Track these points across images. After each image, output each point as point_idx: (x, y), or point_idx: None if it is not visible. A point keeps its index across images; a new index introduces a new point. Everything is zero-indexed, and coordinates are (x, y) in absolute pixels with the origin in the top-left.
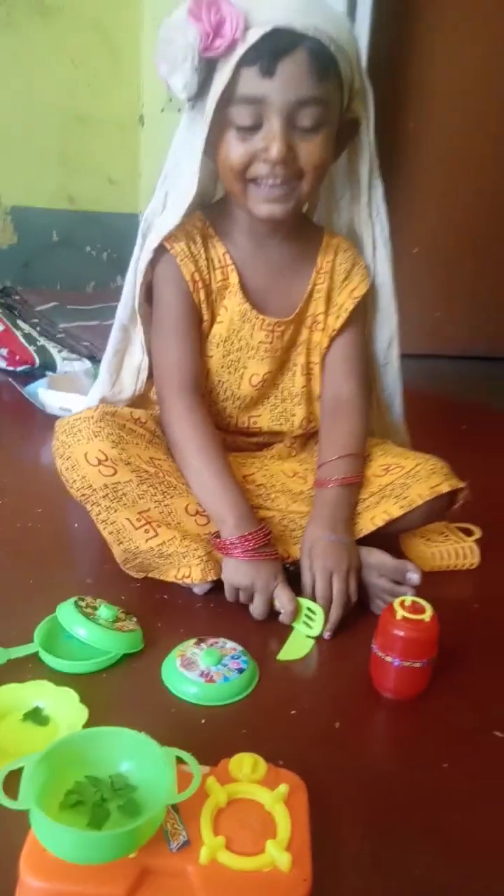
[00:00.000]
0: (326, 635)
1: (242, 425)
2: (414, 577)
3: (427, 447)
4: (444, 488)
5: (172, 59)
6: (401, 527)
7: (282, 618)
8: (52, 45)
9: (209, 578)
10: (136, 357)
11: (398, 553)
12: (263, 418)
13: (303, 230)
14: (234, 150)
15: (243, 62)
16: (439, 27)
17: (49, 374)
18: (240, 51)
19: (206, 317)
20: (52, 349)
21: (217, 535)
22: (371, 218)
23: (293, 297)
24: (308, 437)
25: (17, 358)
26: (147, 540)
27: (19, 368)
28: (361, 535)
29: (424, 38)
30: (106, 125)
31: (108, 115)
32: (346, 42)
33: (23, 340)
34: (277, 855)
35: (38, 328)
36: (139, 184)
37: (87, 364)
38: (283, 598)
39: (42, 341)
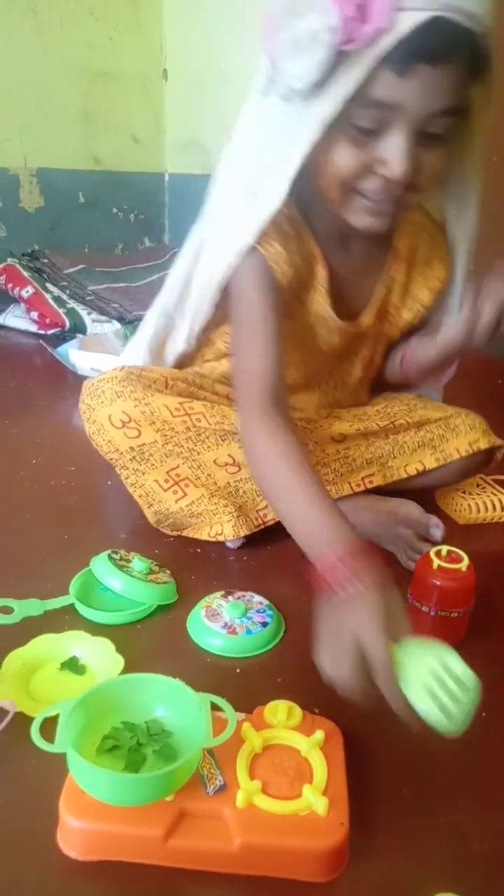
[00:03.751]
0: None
1: None
2: (437, 532)
3: (462, 401)
4: (483, 444)
5: (295, 40)
6: (434, 481)
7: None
8: None
9: (241, 534)
10: (179, 346)
11: (433, 505)
12: (310, 406)
13: None
14: (346, 156)
15: (384, 60)
16: None
17: (79, 335)
18: (385, 44)
19: None
20: (82, 311)
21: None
22: (458, 213)
23: (367, 290)
24: None
25: (48, 321)
26: (176, 501)
27: (50, 331)
28: (392, 480)
29: None
30: (128, 80)
31: (130, 70)
32: (493, 24)
33: (52, 303)
34: (314, 799)
35: (68, 291)
36: (164, 141)
37: (117, 325)
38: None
39: (71, 304)
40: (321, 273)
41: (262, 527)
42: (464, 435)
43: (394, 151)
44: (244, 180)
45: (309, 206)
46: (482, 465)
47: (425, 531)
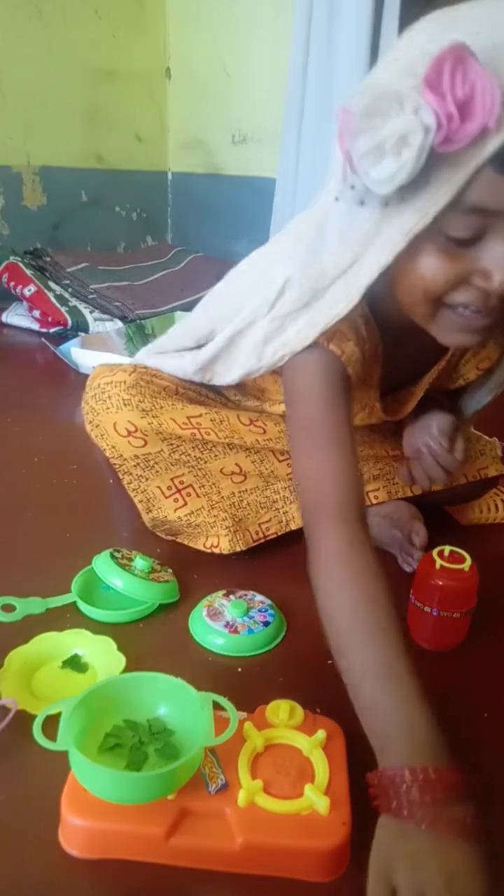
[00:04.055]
0: None
1: None
2: (416, 538)
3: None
4: (491, 472)
5: (382, 139)
6: (439, 499)
7: None
8: None
9: (237, 549)
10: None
11: (437, 506)
12: None
13: None
14: (437, 268)
15: (488, 161)
16: None
17: (81, 334)
18: (489, 144)
19: None
20: (84, 310)
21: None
22: None
23: (417, 375)
24: None
25: (50, 319)
26: (175, 510)
27: (52, 330)
28: (396, 497)
29: None
30: (132, 79)
31: (134, 68)
32: None
33: (55, 302)
34: (316, 798)
35: (70, 289)
36: (167, 140)
37: (119, 324)
38: None
39: (74, 302)
40: (376, 373)
41: (263, 541)
42: (473, 460)
43: (496, 260)
44: (304, 282)
45: (377, 305)
46: (487, 489)
47: (408, 536)
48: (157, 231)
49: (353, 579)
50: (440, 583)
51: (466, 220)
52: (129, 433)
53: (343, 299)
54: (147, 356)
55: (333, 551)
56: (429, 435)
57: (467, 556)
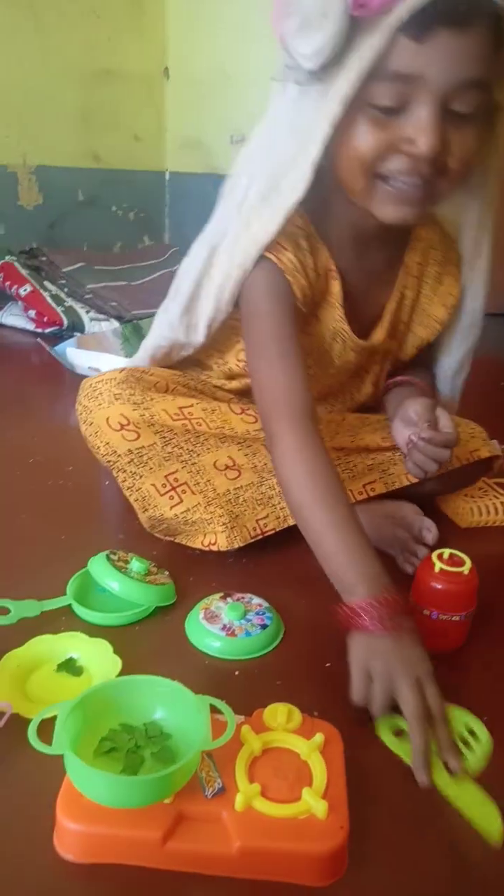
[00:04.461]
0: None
1: None
2: (428, 535)
3: (468, 404)
4: (483, 453)
5: (306, 15)
6: (434, 489)
7: (414, 738)
8: None
9: (235, 545)
10: (187, 351)
11: (435, 509)
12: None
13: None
14: (368, 137)
15: (402, 27)
16: None
17: (77, 334)
18: (400, 11)
19: None
20: (80, 310)
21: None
22: (482, 220)
23: (378, 306)
24: None
25: (46, 319)
26: (172, 507)
27: (48, 330)
28: (393, 488)
29: None
30: (129, 79)
31: (132, 68)
32: None
33: (50, 301)
34: (314, 802)
35: (66, 289)
36: (165, 140)
37: (115, 324)
38: (432, 696)
39: (69, 302)
40: (335, 288)
41: (261, 537)
42: (464, 444)
43: (419, 125)
44: (262, 179)
45: (323, 218)
46: (481, 473)
47: (418, 533)
48: (155, 231)
49: (309, 467)
50: (440, 586)
51: (389, 88)
52: (122, 426)
53: (299, 181)
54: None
55: (290, 448)
56: (412, 425)
57: (467, 558)
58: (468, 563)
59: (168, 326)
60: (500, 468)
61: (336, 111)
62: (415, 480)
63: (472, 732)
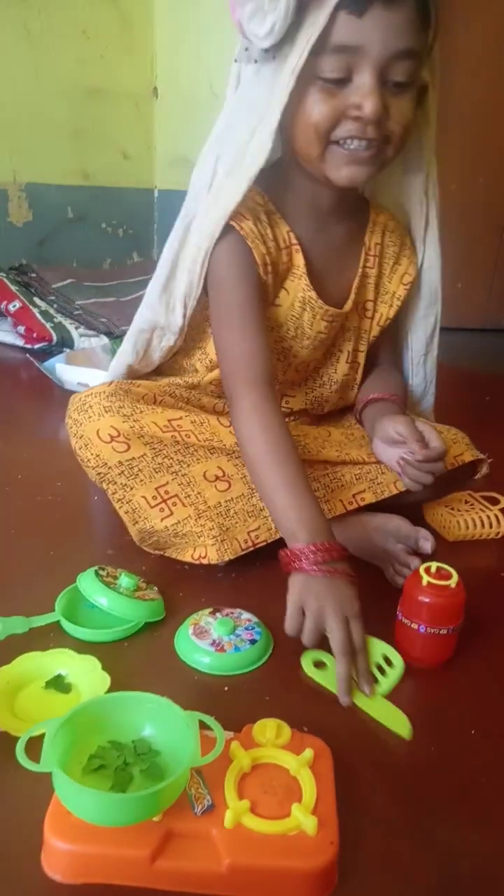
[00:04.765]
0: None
1: None
2: (426, 544)
3: (452, 418)
4: (467, 457)
5: (259, 4)
6: (422, 495)
7: (338, 668)
8: (63, 15)
9: (226, 558)
10: (168, 340)
11: (422, 522)
12: (297, 400)
13: (354, 203)
14: (320, 107)
15: (340, 4)
16: None
17: (66, 350)
18: None
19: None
20: (70, 326)
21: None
22: (426, 195)
23: (346, 281)
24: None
25: (35, 335)
26: (162, 519)
27: (37, 345)
28: (383, 497)
29: (443, 1)
30: (119, 98)
31: (122, 87)
32: None
33: (40, 317)
34: (303, 818)
35: (55, 305)
36: (154, 158)
37: (105, 340)
38: (356, 630)
39: (59, 318)
40: (299, 261)
41: (252, 548)
42: (448, 449)
43: (363, 91)
44: (228, 157)
45: (282, 195)
46: (466, 478)
47: (414, 544)
48: (144, 248)
49: (263, 427)
50: (427, 600)
51: (334, 59)
52: (112, 438)
53: (260, 149)
54: (116, 358)
55: (248, 408)
56: (395, 444)
57: (454, 572)
58: (455, 577)
59: (149, 308)
60: (486, 471)
61: (290, 82)
62: (404, 489)
63: (388, 661)
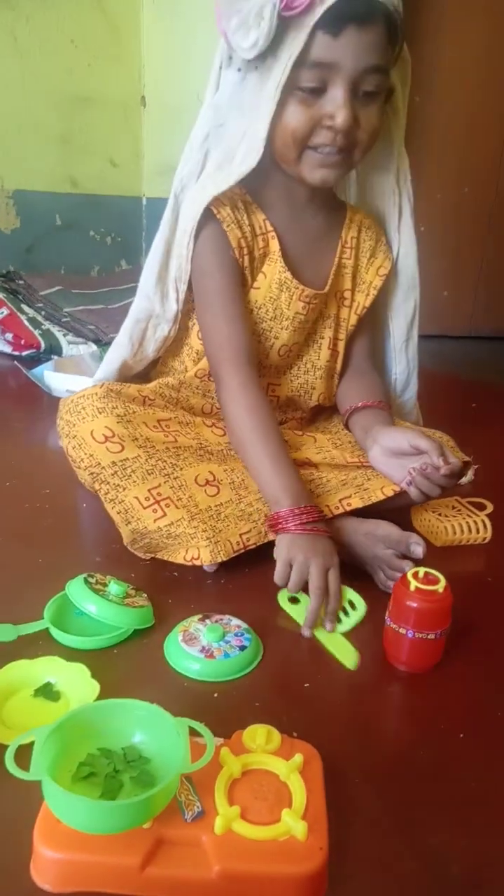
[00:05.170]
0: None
1: None
2: (417, 549)
3: (438, 425)
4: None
5: (245, 15)
6: (407, 500)
7: (312, 603)
8: (51, 24)
9: (219, 560)
10: (163, 330)
11: (410, 528)
12: (283, 387)
13: (330, 201)
14: (297, 115)
15: (318, 24)
16: (446, 1)
17: (55, 357)
18: (318, 11)
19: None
20: (58, 333)
21: (271, 517)
22: (398, 186)
23: (323, 270)
24: (316, 414)
25: (23, 342)
26: (155, 520)
27: (25, 353)
28: (371, 502)
29: (430, 11)
30: (107, 106)
31: (110, 95)
32: (400, 7)
33: (28, 325)
34: (293, 824)
35: (43, 312)
36: (142, 166)
37: (93, 347)
38: (332, 578)
39: (47, 325)
40: (275, 246)
41: (243, 550)
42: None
43: (336, 104)
44: (218, 152)
45: (260, 186)
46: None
47: (405, 549)
48: (132, 255)
49: (248, 406)
50: (415, 605)
51: (312, 73)
52: (107, 438)
53: (251, 152)
54: (110, 353)
55: (234, 388)
56: (398, 455)
57: (441, 577)
58: (443, 582)
59: (145, 297)
60: (472, 475)
61: (276, 95)
62: (390, 494)
63: (352, 604)
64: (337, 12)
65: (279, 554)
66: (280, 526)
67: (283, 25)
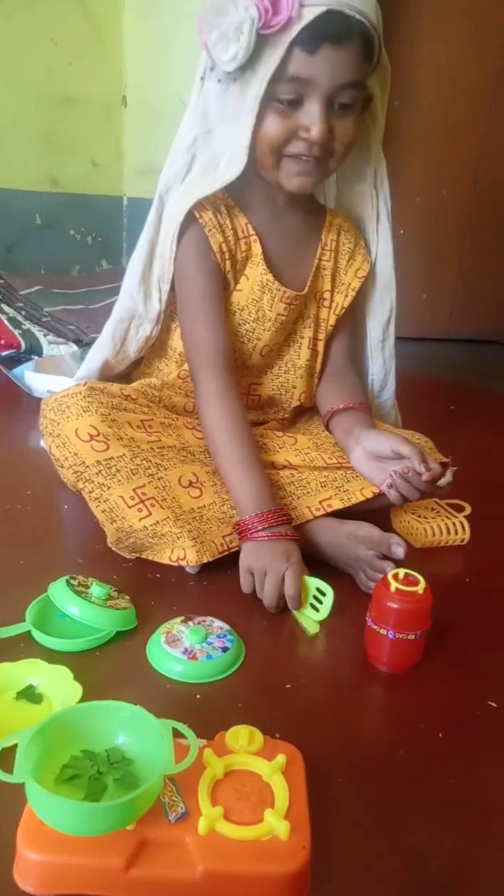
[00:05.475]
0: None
1: (242, 391)
2: (398, 549)
3: (417, 427)
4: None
5: (225, 30)
6: (386, 501)
7: (289, 603)
8: (31, 23)
9: (204, 560)
10: (145, 330)
11: (390, 530)
12: (265, 386)
13: (310, 204)
14: (275, 126)
15: (295, 41)
16: (424, 4)
17: (35, 357)
18: (294, 29)
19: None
20: (38, 333)
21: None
22: (376, 189)
23: (303, 271)
24: (297, 415)
25: (3, 342)
26: (140, 519)
27: (5, 353)
28: (351, 503)
29: (409, 14)
30: (88, 106)
31: (91, 95)
32: (379, 23)
33: (8, 324)
34: (276, 823)
35: (23, 312)
36: (123, 166)
37: (74, 347)
38: (288, 581)
39: (27, 325)
40: (257, 249)
41: (227, 552)
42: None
43: (312, 118)
44: (204, 159)
45: (242, 190)
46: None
47: (386, 550)
48: (112, 255)
49: (222, 413)
50: (395, 606)
51: (289, 87)
52: (92, 437)
53: (235, 160)
54: (92, 352)
55: (210, 393)
56: (381, 458)
57: (421, 578)
58: (423, 583)
59: (128, 296)
60: (451, 477)
61: (255, 107)
62: (370, 496)
63: (321, 591)
64: (313, 31)
65: (241, 563)
66: (244, 535)
67: (262, 41)
